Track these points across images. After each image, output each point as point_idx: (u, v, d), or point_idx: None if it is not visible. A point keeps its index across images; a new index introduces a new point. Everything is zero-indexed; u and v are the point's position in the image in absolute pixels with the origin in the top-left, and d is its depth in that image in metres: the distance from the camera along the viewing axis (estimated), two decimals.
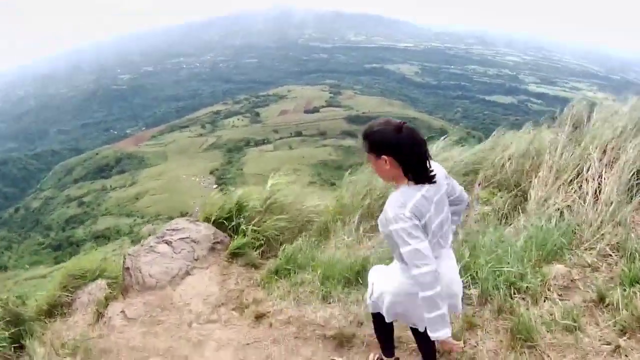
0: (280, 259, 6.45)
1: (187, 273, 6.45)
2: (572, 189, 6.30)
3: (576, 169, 6.48)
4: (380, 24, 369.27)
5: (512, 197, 7.06)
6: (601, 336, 4.23)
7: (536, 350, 4.21)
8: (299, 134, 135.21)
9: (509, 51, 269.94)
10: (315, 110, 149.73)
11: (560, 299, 4.71)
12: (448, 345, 3.24)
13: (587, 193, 6.03)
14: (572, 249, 5.38)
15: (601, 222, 5.59)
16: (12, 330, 5.77)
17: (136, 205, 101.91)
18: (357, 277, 5.71)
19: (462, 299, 3.84)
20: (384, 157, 3.06)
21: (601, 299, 4.58)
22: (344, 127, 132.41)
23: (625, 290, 4.50)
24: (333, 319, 5.22)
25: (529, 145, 7.65)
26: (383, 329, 4.14)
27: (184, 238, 6.89)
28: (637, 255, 4.89)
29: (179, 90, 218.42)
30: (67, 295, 6.81)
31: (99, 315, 6.07)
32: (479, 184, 7.58)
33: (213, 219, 7.41)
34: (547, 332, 4.33)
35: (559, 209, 6.06)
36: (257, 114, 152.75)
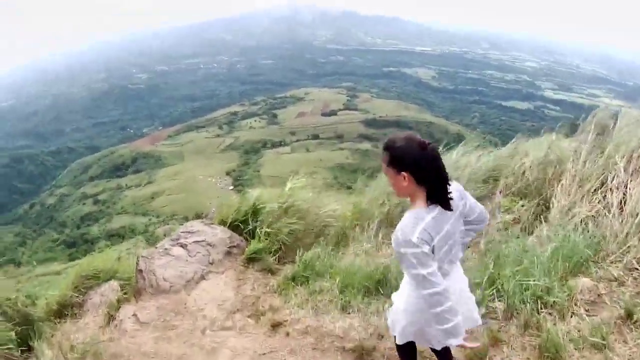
0: (298, 265, 6.28)
1: (202, 277, 6.29)
2: (596, 199, 6.12)
3: (600, 179, 6.31)
4: (395, 26, 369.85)
5: (534, 205, 6.89)
6: (630, 355, 4.05)
7: None
8: (316, 136, 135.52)
9: (526, 56, 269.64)
10: (333, 113, 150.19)
11: (587, 315, 4.52)
12: (466, 347, 3.25)
13: (611, 204, 5.85)
14: (597, 262, 5.20)
15: (627, 234, 5.40)
16: (20, 331, 5.63)
17: (152, 205, 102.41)
18: (377, 287, 5.54)
19: (479, 312, 3.77)
20: (404, 173, 3.00)
21: (629, 315, 4.41)
22: (361, 131, 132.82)
23: None
24: (352, 330, 5.02)
25: (551, 153, 7.48)
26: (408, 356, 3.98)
27: (199, 241, 6.73)
28: None
29: (196, 91, 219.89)
30: (79, 296, 6.68)
31: (110, 318, 5.90)
32: (500, 192, 7.42)
33: (229, 221, 7.25)
34: (575, 349, 4.14)
35: (582, 220, 5.88)
36: (275, 116, 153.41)
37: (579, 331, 4.31)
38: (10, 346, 5.23)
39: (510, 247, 5.56)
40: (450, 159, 7.86)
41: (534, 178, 7.26)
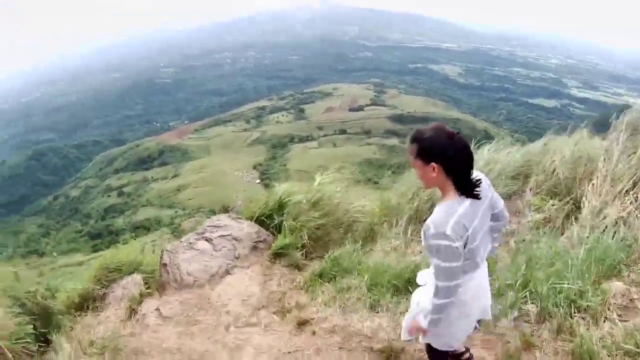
0: (326, 261, 6.16)
1: (227, 272, 6.19)
2: (628, 200, 5.99)
3: (632, 179, 6.19)
4: (421, 23, 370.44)
5: (564, 204, 6.78)
6: None
7: None
8: (343, 131, 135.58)
9: (550, 54, 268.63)
10: (360, 108, 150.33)
11: (620, 320, 4.34)
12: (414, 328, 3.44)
13: None
14: (629, 265, 5.07)
15: None
16: (40, 324, 5.53)
17: (178, 197, 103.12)
18: (407, 286, 5.36)
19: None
20: (433, 164, 2.95)
21: None
22: (388, 126, 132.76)
23: None
24: (381, 330, 4.88)
25: (581, 152, 7.38)
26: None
27: (225, 235, 6.63)
28: None
29: (223, 85, 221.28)
30: (101, 289, 6.61)
31: (132, 312, 5.83)
32: (530, 190, 7.32)
33: (256, 216, 7.17)
34: (609, 356, 3.98)
35: (614, 221, 5.72)
36: (302, 111, 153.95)
37: (612, 337, 4.15)
38: (28, 340, 5.11)
39: (541, 247, 5.43)
40: (481, 155, 7.78)
41: (565, 177, 7.16)
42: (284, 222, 6.86)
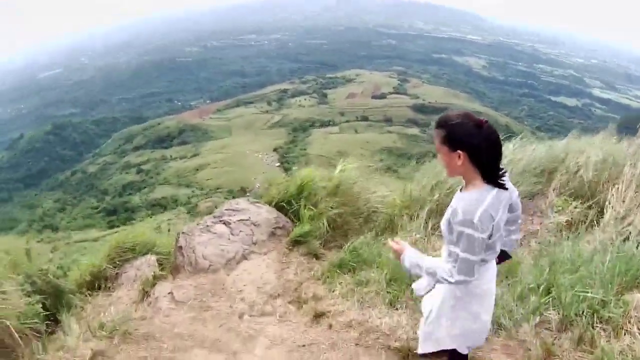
0: (345, 252, 6.04)
1: (244, 257, 6.12)
2: None
3: None
4: (447, 14, 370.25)
5: (587, 208, 6.69)
6: None
7: None
8: (365, 118, 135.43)
9: (572, 52, 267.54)
10: (383, 96, 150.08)
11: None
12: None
13: None
14: None
15: None
16: (50, 303, 5.47)
17: (196, 177, 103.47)
18: None
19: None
20: (459, 152, 2.89)
21: None
22: (410, 115, 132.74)
23: None
24: (400, 328, 4.76)
25: (607, 154, 7.27)
26: None
27: (243, 220, 6.55)
28: None
29: (246, 67, 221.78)
30: (114, 268, 6.56)
31: (145, 294, 5.76)
32: (554, 190, 7.20)
33: (275, 201, 7.09)
34: None
35: (638, 231, 5.60)
36: (325, 95, 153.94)
37: (632, 351, 4.01)
38: (36, 320, 5.02)
39: (564, 251, 5.31)
40: (506, 151, 7.57)
41: (589, 179, 7.03)
42: (304, 209, 6.76)
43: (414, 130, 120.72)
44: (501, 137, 3.35)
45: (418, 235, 6.63)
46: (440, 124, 2.95)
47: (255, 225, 6.46)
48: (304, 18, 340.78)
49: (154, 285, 5.81)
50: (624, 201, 6.06)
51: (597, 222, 6.14)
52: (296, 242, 6.40)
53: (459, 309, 3.27)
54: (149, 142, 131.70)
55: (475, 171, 2.92)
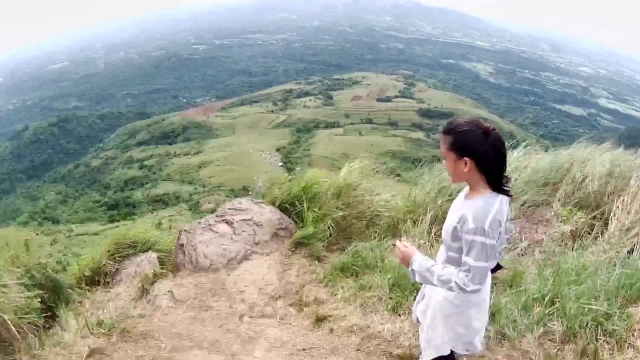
0: (348, 255, 6.02)
1: (245, 257, 6.08)
2: None
3: None
4: (455, 19, 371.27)
5: (591, 218, 6.59)
6: None
7: None
8: (369, 121, 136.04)
9: (581, 61, 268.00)
10: (388, 99, 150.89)
11: None
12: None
13: None
14: None
15: None
16: (48, 297, 5.44)
17: (199, 174, 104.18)
18: None
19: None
20: (466, 159, 2.87)
21: None
22: (415, 120, 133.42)
23: None
24: (402, 334, 4.70)
25: (613, 165, 7.27)
26: None
27: (246, 220, 6.51)
28: None
29: (252, 66, 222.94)
30: (113, 264, 6.53)
31: (144, 292, 5.72)
32: (559, 200, 7.13)
33: (279, 202, 7.06)
34: None
35: None
36: (330, 97, 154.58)
37: None
38: (34, 315, 4.97)
39: (568, 262, 5.30)
40: (511, 158, 7.61)
41: (594, 190, 6.98)
42: (308, 211, 6.71)
43: (419, 135, 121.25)
44: (506, 145, 3.33)
45: (422, 241, 6.55)
46: (448, 130, 2.94)
47: (258, 225, 6.42)
48: (313, 18, 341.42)
49: (153, 282, 5.76)
50: (629, 213, 6.00)
51: (601, 233, 6.09)
52: (299, 244, 6.35)
53: (457, 316, 3.22)
54: (153, 137, 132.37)
55: (481, 178, 2.91)
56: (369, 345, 4.63)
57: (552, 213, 6.86)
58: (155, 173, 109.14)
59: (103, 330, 4.86)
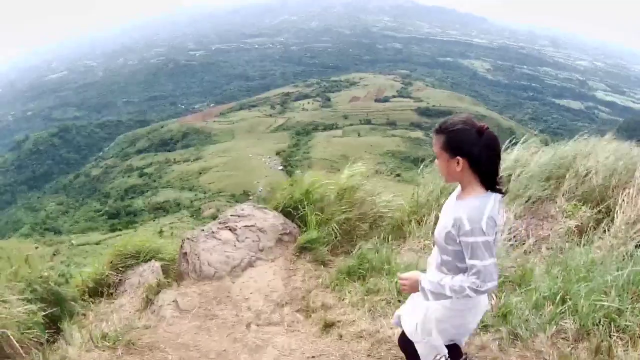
0: (354, 258, 5.94)
1: (250, 264, 6.01)
2: None
3: None
4: (454, 18, 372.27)
5: (596, 213, 6.53)
6: None
7: None
8: (368, 121, 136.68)
9: (579, 55, 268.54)
10: (386, 99, 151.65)
11: None
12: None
13: None
14: None
15: None
16: (51, 311, 5.35)
17: (199, 180, 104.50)
18: None
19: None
20: (459, 158, 2.85)
21: None
22: (414, 119, 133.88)
23: None
24: None
25: (618, 158, 7.18)
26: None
27: (249, 226, 6.44)
28: None
29: (250, 70, 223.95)
30: (116, 275, 6.46)
31: (148, 302, 5.64)
32: (563, 195, 7.05)
33: (281, 206, 6.99)
34: None
35: None
36: (328, 99, 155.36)
37: None
38: (37, 330, 4.90)
39: (576, 258, 5.22)
40: (511, 155, 7.61)
41: (598, 183, 6.92)
42: (311, 215, 6.64)
43: (418, 134, 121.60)
44: (507, 142, 3.24)
45: (427, 242, 6.47)
46: (440, 130, 2.92)
47: (261, 231, 6.35)
48: (310, 19, 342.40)
49: (157, 292, 5.68)
50: (635, 206, 5.96)
51: (607, 228, 6.01)
52: (303, 249, 6.28)
53: (452, 318, 3.20)
54: (153, 145, 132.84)
55: (474, 177, 2.88)
56: (379, 351, 4.54)
57: (557, 208, 6.77)
58: (155, 181, 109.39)
59: (108, 343, 4.80)
